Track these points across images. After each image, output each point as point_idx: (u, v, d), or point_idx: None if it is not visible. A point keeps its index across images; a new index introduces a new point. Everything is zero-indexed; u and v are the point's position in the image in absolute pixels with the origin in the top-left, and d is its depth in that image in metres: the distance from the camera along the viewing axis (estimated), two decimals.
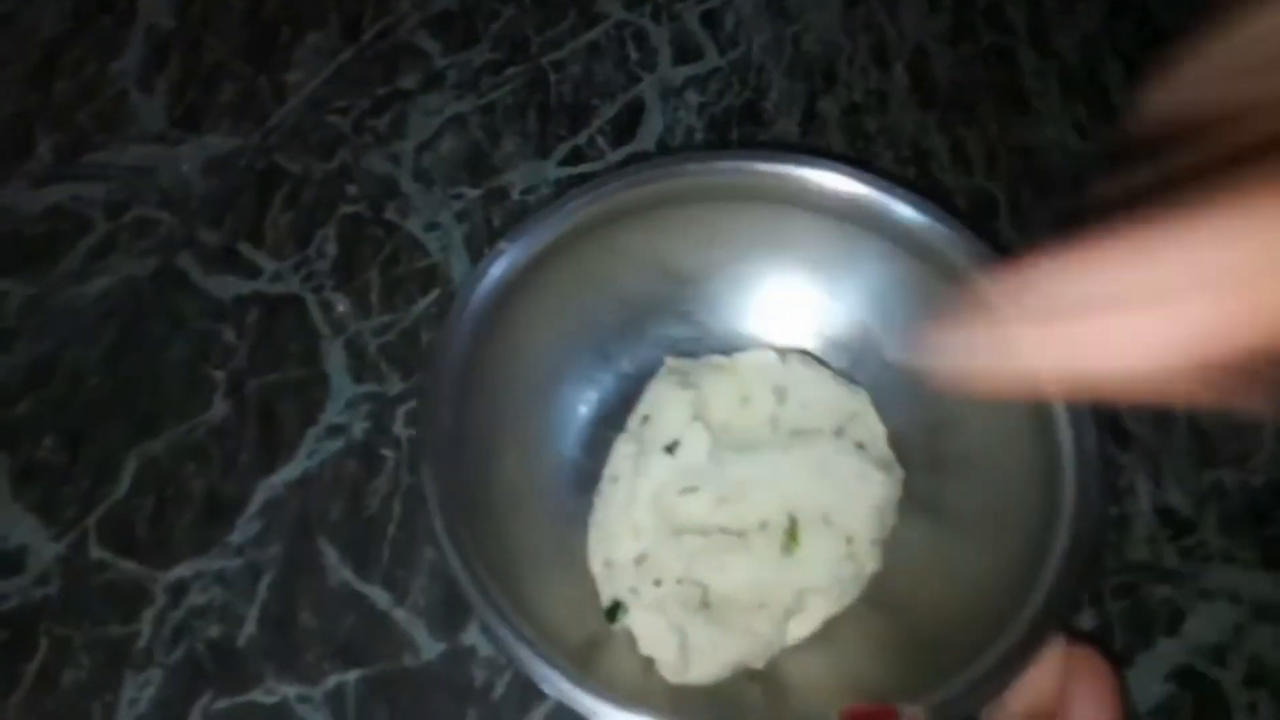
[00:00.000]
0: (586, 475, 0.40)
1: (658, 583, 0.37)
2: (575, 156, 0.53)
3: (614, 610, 0.37)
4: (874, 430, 0.40)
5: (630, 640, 0.37)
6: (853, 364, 0.42)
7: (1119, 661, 0.40)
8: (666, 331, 0.43)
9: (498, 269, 0.38)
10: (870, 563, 0.38)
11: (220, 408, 0.45)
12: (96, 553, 0.41)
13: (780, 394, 0.41)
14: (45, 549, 0.41)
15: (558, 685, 0.31)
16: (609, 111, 0.55)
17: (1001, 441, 0.37)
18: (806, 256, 0.42)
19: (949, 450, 0.39)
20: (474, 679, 0.39)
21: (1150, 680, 0.39)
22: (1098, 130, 0.55)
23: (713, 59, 0.57)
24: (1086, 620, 0.40)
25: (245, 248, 0.50)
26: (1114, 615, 0.41)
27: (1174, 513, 0.43)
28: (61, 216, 0.50)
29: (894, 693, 0.32)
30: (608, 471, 0.40)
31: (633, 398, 0.42)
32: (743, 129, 0.55)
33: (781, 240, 0.42)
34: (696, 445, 0.39)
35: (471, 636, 0.40)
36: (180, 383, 0.46)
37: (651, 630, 0.36)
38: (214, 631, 0.40)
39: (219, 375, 0.46)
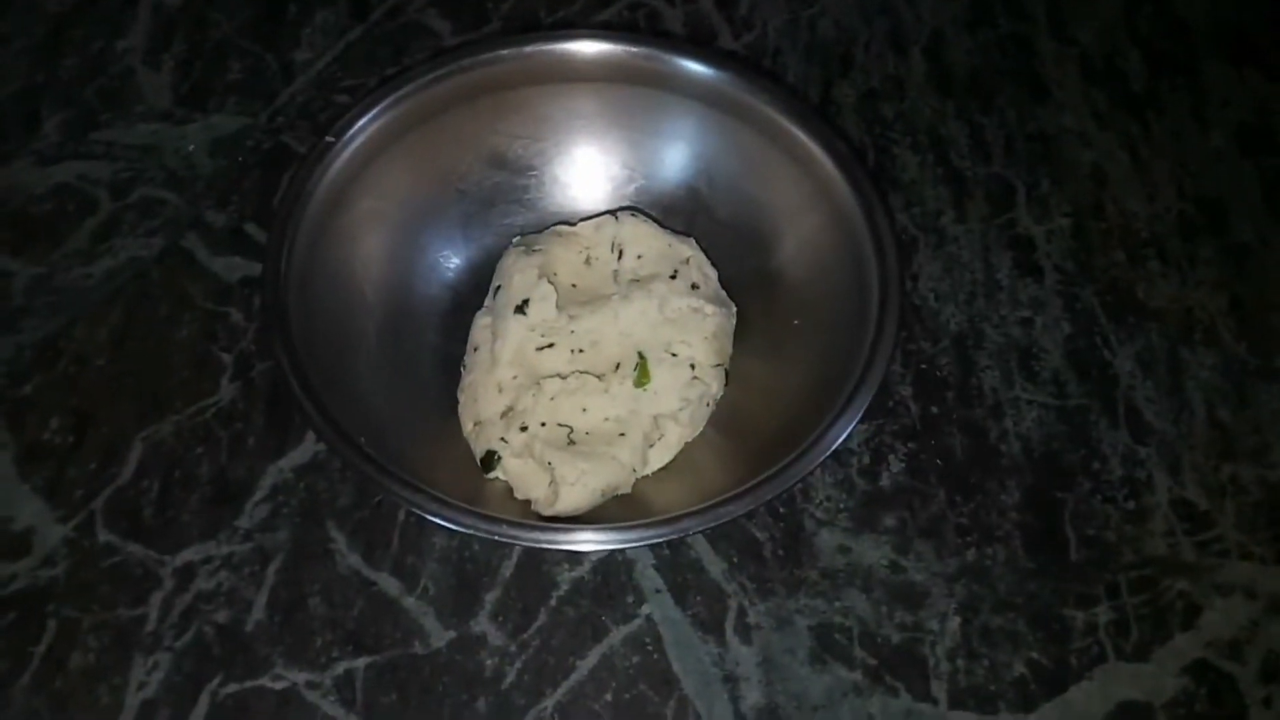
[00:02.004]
0: (449, 358, 0.43)
1: (524, 428, 0.40)
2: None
3: (488, 460, 0.40)
4: (705, 271, 0.44)
5: (505, 490, 0.40)
6: (688, 225, 0.46)
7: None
8: (512, 220, 0.47)
9: (330, 164, 0.40)
10: (714, 384, 0.42)
11: (228, 390, 0.44)
12: (104, 535, 0.41)
13: (619, 250, 0.45)
14: (52, 531, 0.41)
15: (450, 515, 0.34)
16: None
17: (815, 261, 0.42)
18: (628, 127, 0.46)
19: (774, 283, 0.44)
20: (484, 667, 0.38)
21: (1166, 674, 0.39)
22: (1116, 119, 0.54)
23: (727, 42, 0.57)
24: (1103, 614, 0.40)
25: (252, 228, 0.49)
26: (1131, 609, 0.40)
27: (1192, 507, 0.43)
28: (68, 195, 0.50)
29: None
30: (470, 343, 0.43)
31: (486, 284, 0.45)
32: None
33: (605, 115, 0.45)
34: (545, 300, 0.42)
35: (481, 625, 0.39)
36: (187, 365, 0.45)
37: (523, 472, 0.40)
38: (222, 616, 0.39)
39: (226, 357, 0.45)
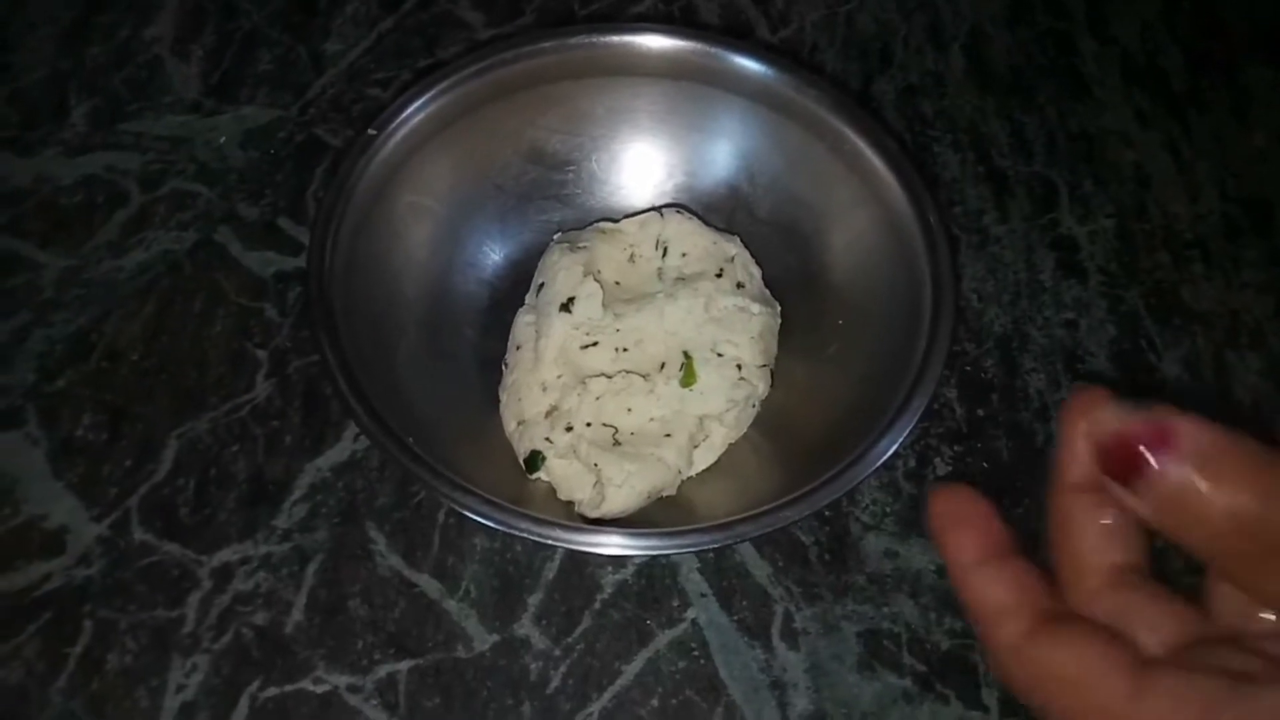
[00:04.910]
0: (488, 355, 0.43)
1: (569, 428, 0.39)
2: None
3: (533, 460, 0.39)
4: (750, 270, 0.43)
5: (549, 491, 0.39)
6: (729, 222, 0.45)
7: None
8: (551, 216, 0.46)
9: (367, 158, 0.39)
10: (760, 384, 0.41)
11: (263, 387, 0.44)
12: (139, 534, 0.40)
13: (663, 247, 0.44)
14: (86, 529, 0.40)
15: (497, 516, 0.33)
16: None
17: (864, 261, 0.41)
18: (670, 123, 0.45)
19: (819, 282, 0.43)
20: (529, 671, 0.38)
21: None
22: (1158, 118, 0.54)
23: (764, 36, 0.56)
24: None
25: (286, 223, 0.48)
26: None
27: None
28: (97, 187, 0.49)
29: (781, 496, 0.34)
30: (511, 341, 0.42)
31: (525, 281, 0.44)
32: None
33: (646, 111, 0.44)
34: (591, 298, 0.41)
35: (525, 628, 0.39)
36: (222, 361, 0.44)
37: (567, 473, 0.39)
38: (261, 618, 0.39)
39: (261, 354, 0.45)
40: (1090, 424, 0.18)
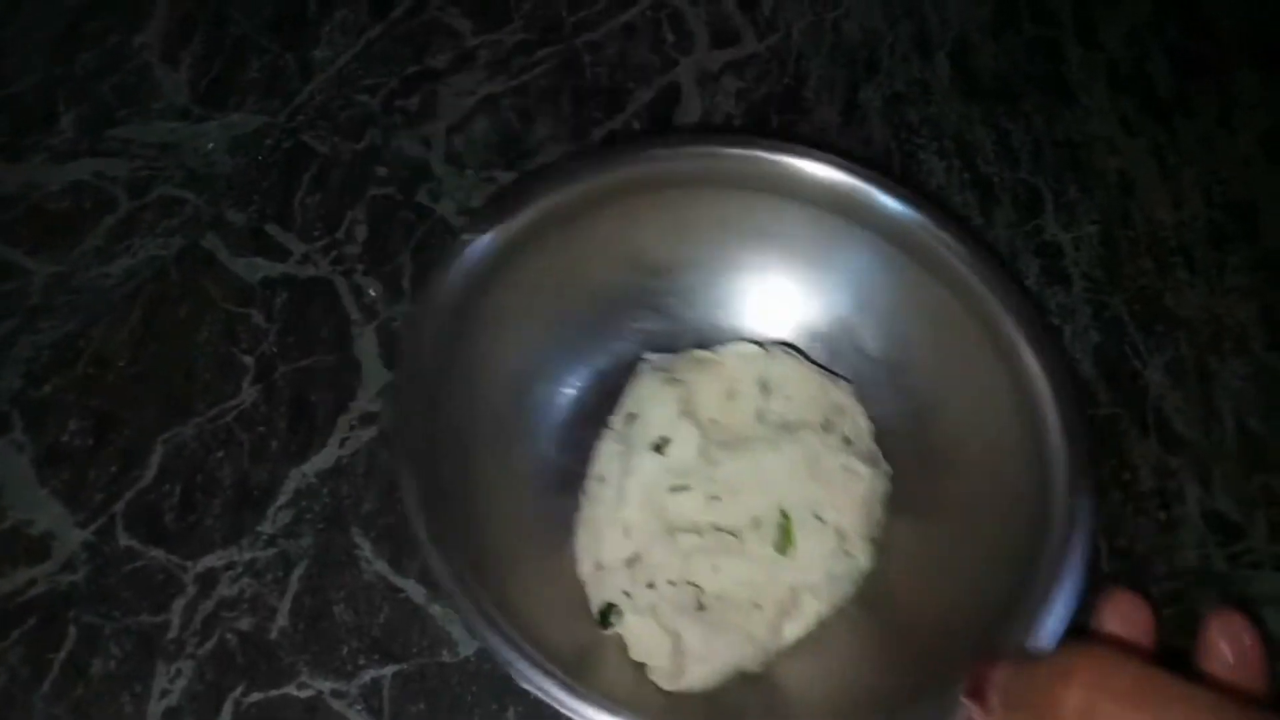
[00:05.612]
0: (567, 475, 0.39)
1: (650, 584, 0.36)
2: (611, 141, 0.52)
3: (606, 614, 0.36)
4: (860, 424, 0.40)
5: (620, 646, 0.36)
6: (831, 357, 0.42)
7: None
8: (642, 325, 0.42)
9: (464, 262, 0.37)
10: (863, 558, 0.37)
11: (249, 393, 0.44)
12: (125, 540, 0.40)
13: (765, 388, 0.40)
14: (71, 535, 0.40)
15: (553, 692, 0.30)
16: (645, 95, 0.54)
17: (987, 429, 0.37)
18: (782, 246, 0.41)
19: (935, 443, 0.39)
20: (512, 676, 0.38)
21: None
22: (1144, 125, 0.54)
23: (751, 44, 0.56)
24: None
25: (273, 229, 0.49)
26: (1163, 622, 0.40)
27: (1223, 518, 0.42)
28: (85, 193, 0.49)
29: (891, 697, 0.31)
30: (594, 471, 0.39)
31: (610, 394, 0.40)
32: (782, 116, 0.53)
33: (756, 229, 0.41)
34: (687, 442, 0.38)
35: None
36: (208, 367, 0.44)
37: (644, 635, 0.35)
38: (246, 623, 0.39)
39: (248, 360, 0.45)
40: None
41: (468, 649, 0.38)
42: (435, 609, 0.39)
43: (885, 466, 0.39)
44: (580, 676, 0.31)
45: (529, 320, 0.40)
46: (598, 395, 0.41)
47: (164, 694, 0.37)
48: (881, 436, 0.40)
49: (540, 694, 0.30)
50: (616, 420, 0.40)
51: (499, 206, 0.38)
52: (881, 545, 0.38)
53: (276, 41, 0.55)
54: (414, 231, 0.49)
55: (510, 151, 0.51)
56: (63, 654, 0.38)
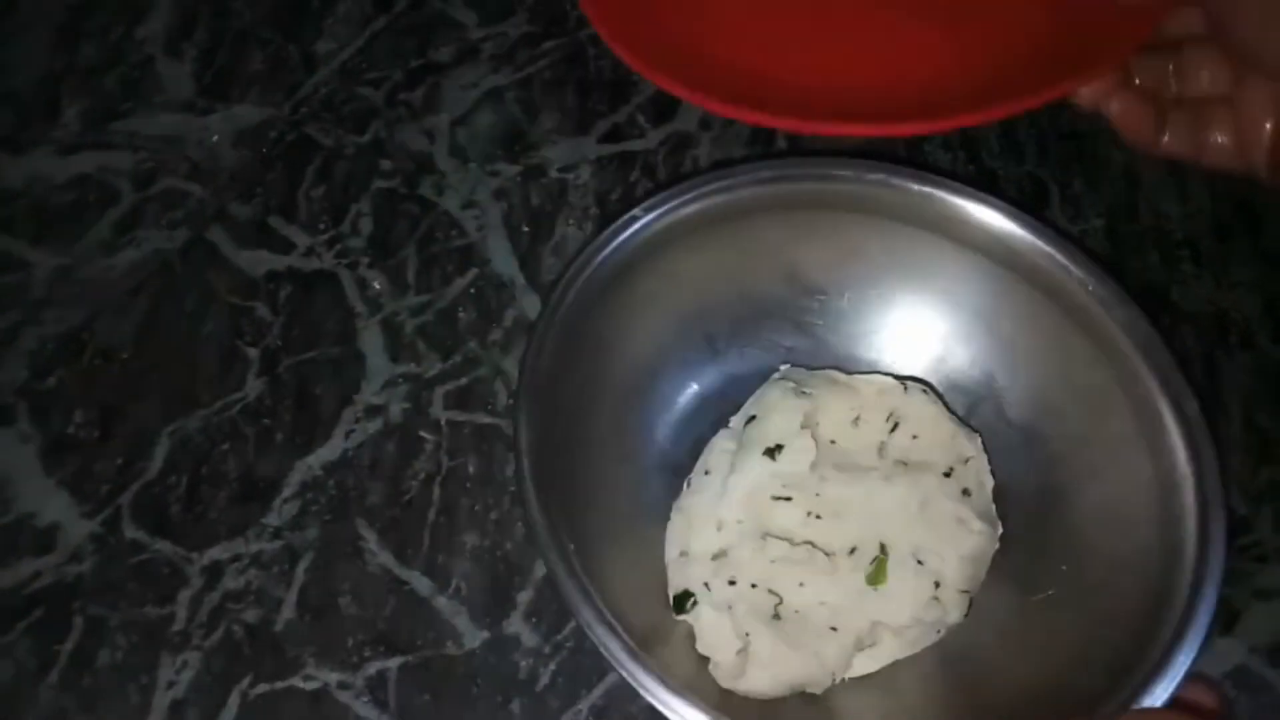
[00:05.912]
0: (672, 465, 0.39)
1: (732, 582, 0.36)
2: (615, 134, 0.52)
3: (682, 600, 0.36)
4: (982, 479, 0.39)
5: (689, 636, 0.36)
6: (968, 410, 0.41)
7: None
8: (782, 339, 0.42)
9: (624, 236, 0.37)
10: (955, 611, 0.36)
11: (254, 386, 0.44)
12: (130, 532, 0.40)
13: (894, 422, 0.40)
14: (77, 527, 0.40)
15: (618, 656, 0.30)
16: (649, 89, 0.53)
17: (1119, 526, 0.35)
18: (942, 290, 0.40)
19: (1056, 520, 0.37)
20: (518, 669, 0.38)
21: None
22: None
23: None
24: None
25: (277, 222, 0.48)
26: None
27: (1230, 511, 0.42)
28: (89, 185, 0.49)
29: None
30: (701, 463, 0.39)
31: (733, 398, 0.41)
32: None
33: (919, 268, 0.40)
34: (801, 454, 0.37)
35: (515, 625, 0.39)
36: (213, 359, 0.44)
37: (715, 629, 0.35)
38: (251, 615, 0.39)
39: (252, 352, 0.45)
40: None
41: (473, 641, 0.39)
42: (440, 601, 0.39)
43: (998, 526, 0.38)
44: (644, 651, 0.31)
45: (673, 311, 0.40)
46: (721, 396, 0.41)
47: (170, 685, 0.37)
48: (1001, 495, 0.39)
49: (614, 663, 0.30)
50: (736, 420, 0.40)
51: (674, 193, 0.38)
52: (975, 603, 0.37)
53: (280, 33, 0.55)
54: (418, 225, 0.49)
55: (514, 145, 0.51)
56: (69, 645, 0.38)
